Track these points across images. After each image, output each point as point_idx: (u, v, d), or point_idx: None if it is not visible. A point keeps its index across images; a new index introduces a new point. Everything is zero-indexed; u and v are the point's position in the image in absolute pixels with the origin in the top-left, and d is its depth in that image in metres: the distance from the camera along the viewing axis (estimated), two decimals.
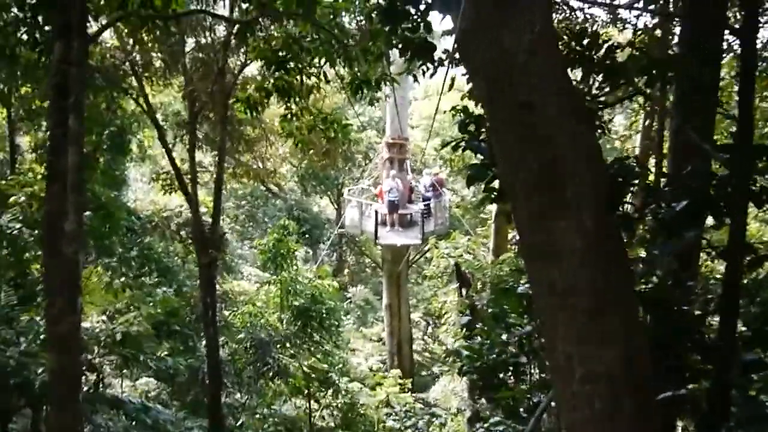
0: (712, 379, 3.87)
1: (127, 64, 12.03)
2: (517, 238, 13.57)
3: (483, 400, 13.34)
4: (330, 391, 16.02)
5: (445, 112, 7.21)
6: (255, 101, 7.42)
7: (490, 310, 6.47)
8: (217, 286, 16.84)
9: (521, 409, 5.79)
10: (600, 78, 4.78)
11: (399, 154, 22.38)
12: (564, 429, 3.28)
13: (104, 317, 8.65)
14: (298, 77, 7.44)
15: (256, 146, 15.22)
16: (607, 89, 4.90)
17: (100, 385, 8.19)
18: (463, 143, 4.88)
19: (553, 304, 3.28)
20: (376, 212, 20.78)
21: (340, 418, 16.23)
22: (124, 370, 10.44)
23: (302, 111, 7.51)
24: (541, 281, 3.30)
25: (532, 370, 6.07)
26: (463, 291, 14.22)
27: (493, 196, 5.53)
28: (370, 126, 32.73)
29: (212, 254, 11.07)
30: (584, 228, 3.18)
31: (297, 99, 7.52)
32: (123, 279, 14.54)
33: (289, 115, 7.53)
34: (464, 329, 14.79)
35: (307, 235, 29.19)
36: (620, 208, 3.93)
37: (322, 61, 7.45)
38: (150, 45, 11.21)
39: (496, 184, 4.58)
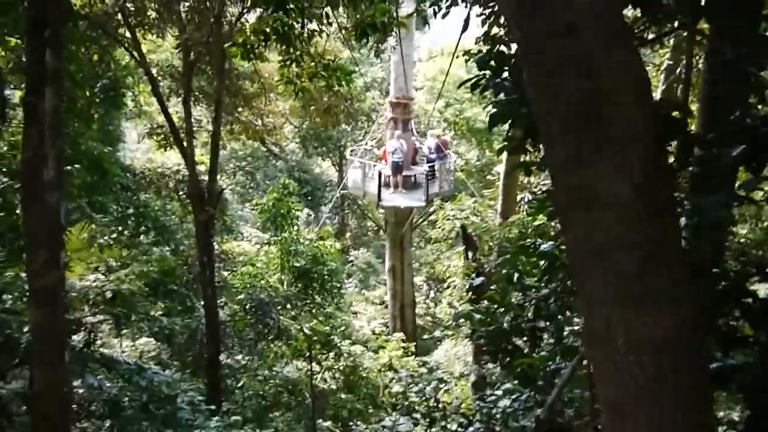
0: (761, 347, 3.45)
1: (118, 13, 11.44)
2: (527, 198, 13.07)
3: (489, 365, 13.10)
4: (332, 354, 15.77)
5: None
6: (252, 45, 6.86)
7: (504, 271, 6.02)
8: (216, 246, 16.53)
9: (537, 377, 5.40)
10: (639, 12, 4.26)
11: (403, 114, 21.73)
12: (600, 402, 2.87)
13: (97, 275, 8.21)
14: (299, 20, 6.87)
15: (255, 102, 14.63)
16: (647, 24, 4.40)
17: (93, 345, 7.80)
18: (483, 82, 4.38)
19: (592, 261, 2.80)
20: (380, 173, 20.26)
21: (342, 381, 16.01)
22: (124, 330, 10.09)
23: (302, 56, 6.95)
24: (577, 235, 2.83)
25: (550, 336, 5.68)
26: (469, 254, 13.79)
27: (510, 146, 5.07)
28: (374, 87, 31.98)
29: (209, 212, 10.64)
30: (631, 172, 2.69)
31: (297, 44, 6.96)
32: (117, 237, 14.25)
33: (288, 61, 6.97)
34: (470, 293, 14.50)
35: (308, 197, 28.76)
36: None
37: (325, 1, 6.88)
38: None
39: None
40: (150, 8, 11.32)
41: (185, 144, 10.72)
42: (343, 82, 7.31)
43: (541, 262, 5.94)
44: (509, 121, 4.53)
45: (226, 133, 15.96)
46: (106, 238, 13.32)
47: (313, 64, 7.27)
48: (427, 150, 22.14)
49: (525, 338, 5.73)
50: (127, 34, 11.70)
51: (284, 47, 7.03)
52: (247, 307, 12.55)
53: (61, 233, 5.51)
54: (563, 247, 4.47)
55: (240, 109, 14.86)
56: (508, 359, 5.83)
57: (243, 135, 16.00)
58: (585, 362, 4.84)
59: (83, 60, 13.58)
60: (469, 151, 34.94)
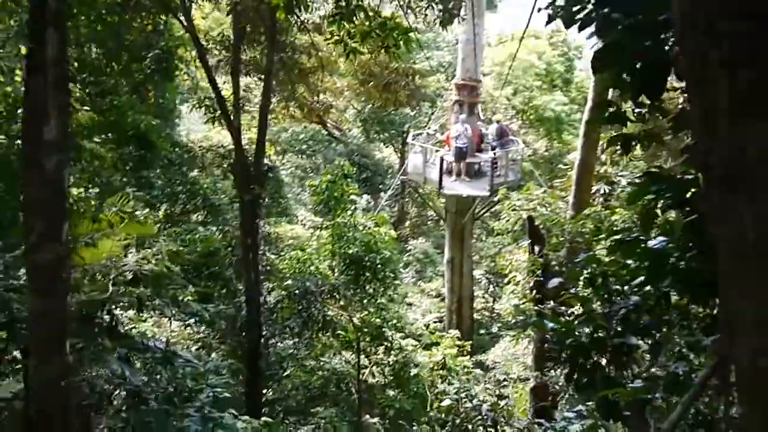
0: None
1: None
2: (603, 190, 11.73)
3: (552, 372, 11.94)
4: (382, 348, 14.89)
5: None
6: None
7: (585, 272, 4.93)
8: (267, 228, 15.86)
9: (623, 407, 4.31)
10: None
11: (470, 97, 20.49)
12: None
13: (125, 253, 7.55)
14: None
15: (312, 78, 13.80)
16: None
17: (117, 328, 7.13)
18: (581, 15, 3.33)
19: (748, 271, 1.78)
20: (442, 159, 19.18)
21: (392, 377, 15.12)
22: (166, 311, 9.40)
23: (355, 11, 5.99)
24: (738, 228, 1.80)
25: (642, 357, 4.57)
26: (536, 248, 12.59)
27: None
28: (440, 70, 30.79)
29: (255, 191, 9.86)
30: None
31: None
32: (165, 214, 13.75)
33: (338, 16, 6.03)
34: (535, 291, 13.32)
35: (367, 183, 27.94)
36: None
37: None
38: None
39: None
40: None
41: (232, 118, 9.94)
42: (402, 44, 6.30)
43: (633, 264, 4.86)
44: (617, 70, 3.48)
45: (281, 110, 15.23)
46: (152, 214, 12.85)
47: (366, 22, 6.29)
48: (490, 137, 20.90)
49: (609, 356, 4.64)
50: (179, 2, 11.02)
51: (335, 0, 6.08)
52: (293, 293, 11.75)
53: (62, 201, 4.76)
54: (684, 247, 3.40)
55: (295, 85, 14.04)
56: (585, 380, 4.76)
57: (298, 112, 15.19)
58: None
59: (137, 29, 13.11)
60: (538, 140, 33.32)
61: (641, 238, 3.59)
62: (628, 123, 4.20)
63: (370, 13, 6.18)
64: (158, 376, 7.32)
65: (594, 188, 12.72)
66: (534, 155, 30.73)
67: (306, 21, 12.52)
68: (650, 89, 3.28)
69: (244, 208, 10.09)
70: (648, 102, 4.02)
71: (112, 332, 7.29)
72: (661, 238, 3.41)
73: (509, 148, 20.86)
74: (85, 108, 10.19)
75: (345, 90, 14.92)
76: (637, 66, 3.24)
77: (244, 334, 11.01)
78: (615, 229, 8.72)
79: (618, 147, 4.46)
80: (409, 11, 10.18)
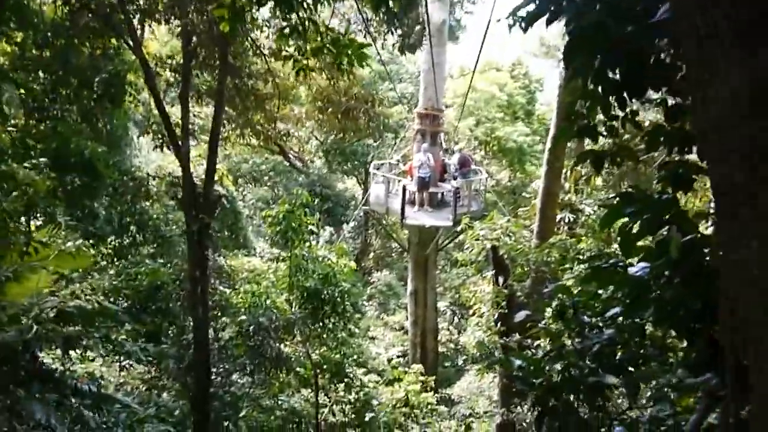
0: None
1: None
2: (567, 218, 11.45)
3: (519, 409, 11.44)
4: (342, 385, 14.25)
5: None
6: (242, 8, 5.49)
7: (554, 303, 4.49)
8: (222, 260, 15.18)
9: None
10: None
11: (432, 126, 20.29)
12: None
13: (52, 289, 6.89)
14: None
15: (268, 105, 13.34)
16: None
17: (39, 369, 6.42)
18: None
19: None
20: (404, 189, 18.80)
21: (353, 416, 14.45)
22: (96, 350, 8.69)
23: (306, 23, 5.56)
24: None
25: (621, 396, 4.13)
26: (500, 279, 12.22)
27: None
28: (403, 101, 30.70)
29: (203, 220, 9.26)
30: None
31: (300, 10, 5.58)
32: (114, 246, 13.01)
33: (288, 30, 5.59)
34: (499, 323, 12.89)
35: (330, 214, 27.42)
36: None
37: None
38: None
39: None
40: None
41: (180, 143, 9.39)
42: (355, 61, 5.88)
43: (605, 293, 4.46)
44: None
45: (236, 138, 14.68)
46: (97, 246, 12.12)
47: (318, 38, 5.85)
48: (453, 167, 20.67)
49: (582, 396, 4.17)
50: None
51: (284, 12, 5.63)
52: (245, 330, 11.08)
53: None
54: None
55: (251, 112, 13.54)
56: (556, 423, 4.28)
57: (254, 140, 14.66)
58: None
59: (84, 53, 12.51)
60: (500, 171, 33.36)
61: (620, 264, 3.15)
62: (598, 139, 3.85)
63: (322, 29, 5.76)
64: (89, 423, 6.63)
65: (558, 217, 12.46)
66: (497, 186, 30.75)
67: (261, 46, 12.12)
68: (631, 86, 2.89)
69: (190, 238, 9.45)
70: (620, 114, 3.68)
71: (35, 376, 6.59)
72: (642, 265, 2.97)
73: (472, 178, 20.64)
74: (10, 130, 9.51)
75: (303, 117, 14.45)
76: (615, 57, 2.85)
77: (190, 373, 10.27)
78: (588, 255, 8.40)
79: (584, 170, 4.10)
80: (367, 36, 9.82)
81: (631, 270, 2.98)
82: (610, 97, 3.56)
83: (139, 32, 12.33)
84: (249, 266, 17.08)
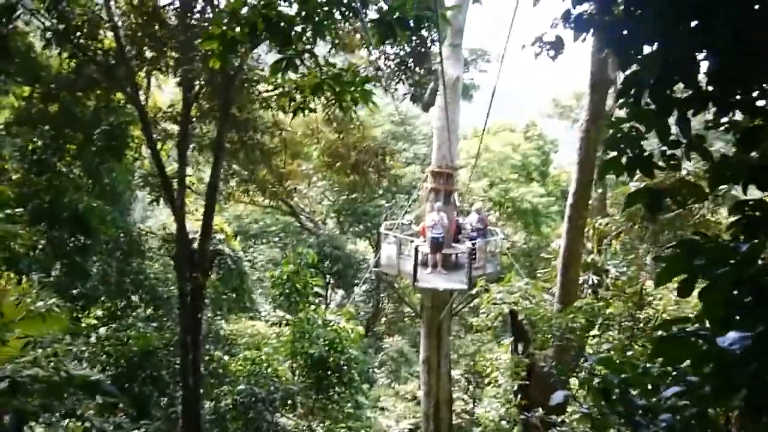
0: None
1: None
2: (591, 281, 10.57)
3: None
4: None
5: None
6: (233, 39, 4.90)
7: (598, 381, 3.63)
8: (222, 324, 14.33)
9: None
10: None
11: (446, 185, 19.56)
12: None
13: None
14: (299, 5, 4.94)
15: (274, 159, 12.78)
16: None
17: None
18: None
19: None
20: (416, 250, 17.96)
21: None
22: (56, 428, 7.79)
23: (303, 55, 4.95)
24: None
25: None
26: (519, 346, 11.24)
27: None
28: (416, 162, 30.30)
29: (197, 279, 8.50)
30: None
31: (296, 42, 4.98)
32: (107, 307, 12.26)
33: (284, 63, 4.98)
34: (519, 396, 11.81)
35: (340, 276, 26.56)
36: None
37: None
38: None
39: None
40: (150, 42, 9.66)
41: (176, 196, 8.75)
42: (359, 99, 5.24)
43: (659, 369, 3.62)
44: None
45: (240, 194, 14.08)
46: (84, 307, 11.37)
47: (317, 68, 5.23)
48: (469, 227, 19.87)
49: None
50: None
51: (280, 44, 5.03)
52: (240, 402, 10.13)
53: None
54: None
55: (256, 167, 12.96)
56: None
57: (260, 196, 14.03)
58: None
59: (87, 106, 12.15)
60: (516, 233, 32.55)
61: (701, 333, 2.32)
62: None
63: (321, 62, 5.15)
64: None
65: (581, 279, 11.58)
66: (512, 248, 29.83)
67: (268, 98, 11.67)
68: (723, 97, 2.16)
69: (182, 299, 8.67)
70: (684, 141, 2.93)
71: None
72: (737, 335, 2.14)
73: (489, 239, 19.80)
74: None
75: (311, 173, 13.84)
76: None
77: None
78: (617, 320, 7.49)
79: (609, 226, 3.33)
80: (378, 85, 9.29)
81: (722, 341, 2.15)
82: (669, 118, 2.84)
83: (145, 84, 11.98)
84: (252, 330, 16.20)
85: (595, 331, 9.13)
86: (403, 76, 9.14)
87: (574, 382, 10.45)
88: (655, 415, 3.50)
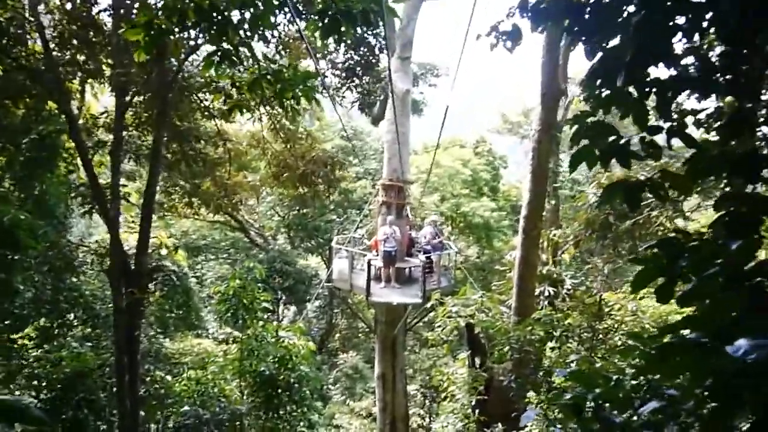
0: None
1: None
2: (548, 292, 10.39)
3: None
4: None
5: None
6: (160, 27, 4.46)
7: (569, 396, 3.32)
8: (166, 342, 13.62)
9: None
10: None
11: (398, 198, 19.27)
12: None
13: None
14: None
15: (219, 171, 12.22)
16: None
17: None
18: None
19: None
20: (369, 264, 17.56)
21: None
22: None
23: (239, 49, 4.54)
24: None
25: None
26: (477, 360, 10.97)
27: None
28: (367, 176, 30.03)
29: (133, 294, 7.92)
30: None
31: (234, 34, 4.57)
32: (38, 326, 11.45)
33: (218, 56, 4.55)
34: (477, 411, 11.50)
35: (291, 292, 25.94)
36: None
37: None
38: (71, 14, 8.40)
39: None
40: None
41: (108, 207, 8.16)
42: (302, 97, 4.85)
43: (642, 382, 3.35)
44: None
45: (183, 207, 13.45)
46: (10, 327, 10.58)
47: (255, 64, 4.83)
48: (423, 240, 19.61)
49: None
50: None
51: (214, 38, 4.62)
52: (182, 424, 9.50)
53: None
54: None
55: (200, 179, 12.37)
56: None
57: (203, 207, 13.42)
58: None
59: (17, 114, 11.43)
60: (468, 247, 32.55)
61: (702, 341, 2.00)
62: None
63: (259, 57, 4.75)
64: None
65: (538, 290, 11.40)
66: (465, 262, 29.77)
67: (211, 107, 11.17)
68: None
69: (117, 316, 8.06)
70: (665, 126, 2.64)
71: None
72: (746, 342, 1.82)
73: (445, 252, 19.56)
74: None
75: (258, 184, 13.30)
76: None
77: None
78: (576, 331, 7.25)
79: (562, 237, 3.04)
80: (326, 95, 8.94)
81: (733, 350, 1.83)
82: (647, 101, 2.55)
83: (80, 92, 11.33)
84: (199, 349, 15.49)
85: (552, 344, 8.91)
86: (351, 85, 8.79)
87: (532, 395, 10.22)
88: None
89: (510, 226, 32.85)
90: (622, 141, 2.55)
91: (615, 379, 3.51)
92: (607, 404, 3.40)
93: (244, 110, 5.24)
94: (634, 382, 3.57)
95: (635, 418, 3.31)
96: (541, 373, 8.44)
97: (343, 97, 9.58)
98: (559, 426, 3.40)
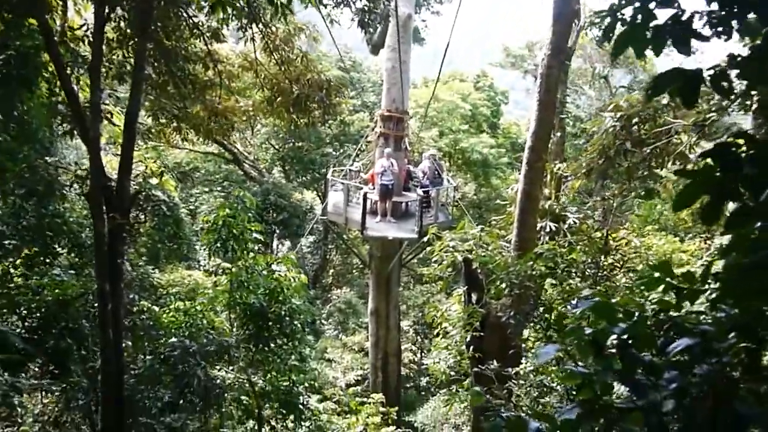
0: None
1: None
2: (549, 228, 9.99)
3: None
4: (291, 417, 12.42)
5: None
6: None
7: (589, 330, 2.90)
8: (157, 274, 13.31)
9: None
10: None
11: (396, 130, 18.72)
12: None
13: None
14: None
15: (209, 94, 11.56)
16: None
17: None
18: None
19: None
20: (365, 197, 17.16)
21: None
22: None
23: None
24: None
25: None
26: (473, 296, 10.65)
27: None
28: (365, 109, 29.24)
29: (114, 220, 7.46)
30: None
31: None
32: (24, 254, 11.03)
33: None
34: (470, 348, 11.28)
35: (285, 226, 25.59)
36: None
37: None
38: None
39: None
40: None
41: (89, 126, 7.60)
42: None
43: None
44: None
45: (171, 131, 12.83)
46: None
47: None
48: (421, 174, 19.13)
49: None
50: None
51: None
52: (167, 356, 9.23)
53: None
54: None
55: (189, 102, 11.71)
56: None
57: (192, 132, 12.81)
58: None
59: None
60: (465, 184, 32.10)
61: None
62: None
63: None
64: None
65: (539, 224, 10.99)
66: (462, 199, 29.39)
67: (200, 24, 10.43)
68: None
69: (98, 242, 7.63)
70: None
71: None
72: None
73: (443, 186, 19.13)
74: None
75: (250, 110, 12.67)
76: None
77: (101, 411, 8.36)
78: (582, 266, 6.86)
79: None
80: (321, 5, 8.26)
81: None
82: None
83: (61, 6, 10.55)
84: (189, 281, 15.21)
85: (552, 280, 8.56)
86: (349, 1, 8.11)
87: (528, 333, 9.96)
88: (659, 374, 2.81)
89: (508, 163, 32.30)
90: (684, 16, 2.03)
91: (638, 315, 3.11)
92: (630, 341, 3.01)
93: (232, 17, 4.66)
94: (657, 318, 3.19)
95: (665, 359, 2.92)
96: (541, 309, 8.11)
97: (341, 12, 8.91)
98: (574, 363, 2.98)
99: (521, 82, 35.36)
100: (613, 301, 3.24)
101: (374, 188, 17.93)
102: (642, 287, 3.66)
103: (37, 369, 9.58)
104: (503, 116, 37.59)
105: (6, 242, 10.88)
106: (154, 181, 14.32)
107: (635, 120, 8.18)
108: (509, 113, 41.20)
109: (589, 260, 7.77)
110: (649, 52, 2.27)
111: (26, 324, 9.60)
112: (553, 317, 8.04)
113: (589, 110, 29.41)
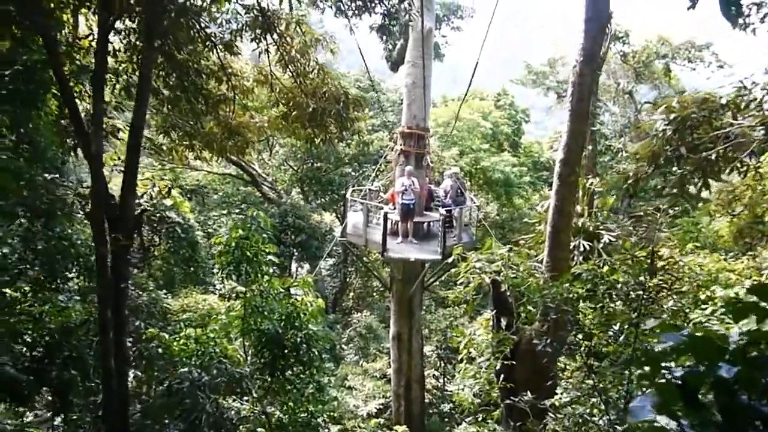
0: None
1: None
2: (583, 247, 9.26)
3: None
4: None
5: None
6: None
7: (681, 374, 2.24)
8: (170, 300, 12.75)
9: None
10: None
11: (417, 148, 18.13)
12: None
13: None
14: None
15: (222, 109, 11.06)
16: None
17: None
18: None
19: None
20: (385, 217, 16.52)
21: None
22: None
23: None
24: None
25: None
26: (502, 321, 9.93)
27: None
28: (384, 128, 28.78)
29: (118, 241, 6.91)
30: None
31: None
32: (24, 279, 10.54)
33: None
34: (500, 378, 10.50)
35: (303, 248, 25.02)
36: None
37: None
38: None
39: None
40: None
41: (91, 140, 7.10)
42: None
43: None
44: None
45: (183, 150, 12.37)
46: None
47: None
48: (443, 193, 18.48)
49: None
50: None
51: None
52: (175, 388, 8.60)
53: None
54: None
55: (201, 118, 11.24)
56: None
57: (206, 152, 12.32)
58: None
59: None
60: (488, 204, 31.37)
61: None
62: None
63: None
64: None
65: (573, 243, 10.27)
66: (485, 219, 28.65)
67: (212, 35, 9.98)
68: None
69: (100, 265, 7.08)
70: None
71: None
72: None
73: (467, 205, 18.44)
74: None
75: (265, 126, 12.15)
76: None
77: None
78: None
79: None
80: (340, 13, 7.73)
81: None
82: None
83: (72, 22, 10.18)
84: (203, 305, 14.63)
85: (590, 303, 7.83)
86: (371, 4, 7.57)
87: (565, 362, 9.20)
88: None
89: (530, 182, 31.58)
90: None
91: (732, 350, 2.44)
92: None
93: (246, 27, 4.12)
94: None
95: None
96: (579, 336, 7.36)
97: (360, 19, 8.41)
98: (652, 410, 2.30)
99: (542, 101, 34.64)
100: (698, 334, 2.57)
101: (395, 208, 17.32)
102: (726, 314, 2.97)
103: (42, 401, 9.04)
104: (524, 135, 36.93)
105: (12, 266, 10.43)
106: (168, 202, 13.87)
107: (688, 123, 7.50)
108: (530, 133, 40.45)
109: (633, 282, 7.05)
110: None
111: (32, 354, 9.08)
112: (593, 344, 7.30)
113: (613, 127, 28.67)
